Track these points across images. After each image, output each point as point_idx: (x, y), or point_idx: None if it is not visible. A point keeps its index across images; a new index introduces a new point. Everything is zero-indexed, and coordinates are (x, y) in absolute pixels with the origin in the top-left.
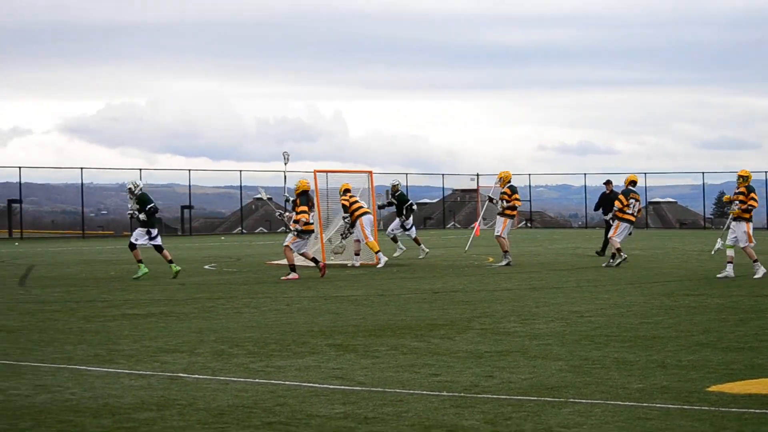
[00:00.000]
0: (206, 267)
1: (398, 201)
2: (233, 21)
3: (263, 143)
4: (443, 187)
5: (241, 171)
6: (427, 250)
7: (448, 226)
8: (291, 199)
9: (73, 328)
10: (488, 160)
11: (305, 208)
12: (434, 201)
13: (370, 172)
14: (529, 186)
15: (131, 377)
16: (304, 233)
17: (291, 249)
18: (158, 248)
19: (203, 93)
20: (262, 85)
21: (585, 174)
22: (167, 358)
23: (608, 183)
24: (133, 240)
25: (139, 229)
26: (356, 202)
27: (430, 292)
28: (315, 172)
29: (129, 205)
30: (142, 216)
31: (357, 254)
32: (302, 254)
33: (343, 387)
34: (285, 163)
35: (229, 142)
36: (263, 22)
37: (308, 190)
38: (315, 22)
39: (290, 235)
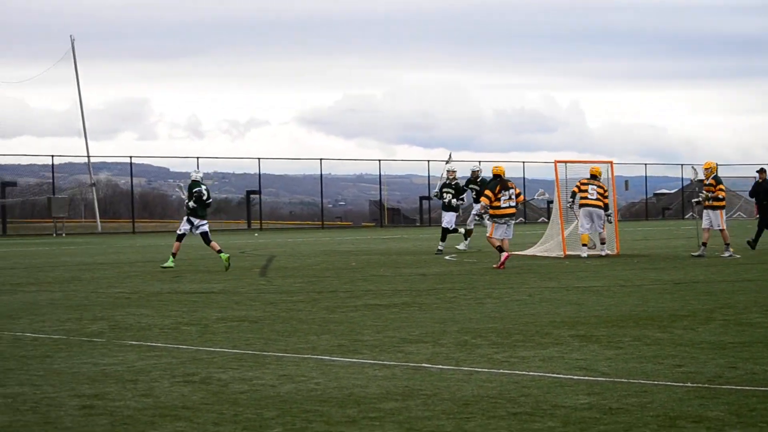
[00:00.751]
0: (447, 258)
1: (479, 188)
2: (468, 12)
3: (501, 134)
4: (682, 178)
5: (480, 161)
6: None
7: (687, 216)
8: (437, 193)
9: (316, 319)
10: (726, 150)
11: (487, 192)
12: (672, 191)
13: (611, 162)
14: None
15: (375, 367)
16: (497, 217)
17: (491, 236)
18: (204, 238)
19: (439, 84)
20: (499, 76)
21: None
22: (411, 349)
23: (762, 171)
24: (178, 232)
25: (185, 218)
26: (585, 191)
27: (672, 283)
28: (555, 162)
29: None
30: (191, 203)
31: (602, 242)
32: (498, 239)
33: (587, 378)
34: (446, 161)
35: (466, 133)
36: (499, 13)
37: (501, 175)
38: (552, 12)
39: (488, 223)
